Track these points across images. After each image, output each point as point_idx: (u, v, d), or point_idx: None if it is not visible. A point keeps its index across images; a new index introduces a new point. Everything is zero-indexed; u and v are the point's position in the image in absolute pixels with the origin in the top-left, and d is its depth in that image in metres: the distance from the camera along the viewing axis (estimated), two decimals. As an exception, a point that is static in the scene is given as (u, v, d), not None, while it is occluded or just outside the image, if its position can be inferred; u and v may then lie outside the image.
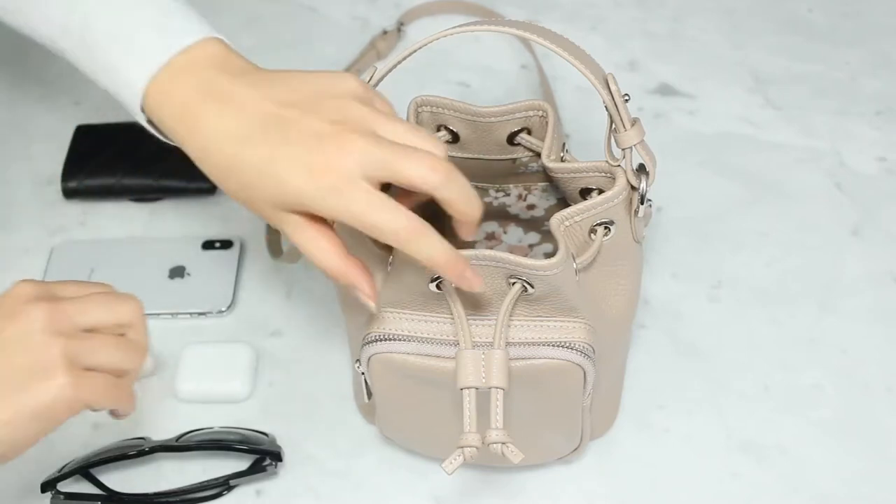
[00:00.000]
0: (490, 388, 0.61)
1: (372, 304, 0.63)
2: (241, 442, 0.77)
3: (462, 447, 0.61)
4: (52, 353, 0.61)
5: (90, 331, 0.63)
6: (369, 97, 0.63)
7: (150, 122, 0.67)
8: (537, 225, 0.75)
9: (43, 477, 0.76)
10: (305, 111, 0.61)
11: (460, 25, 0.65)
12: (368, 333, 0.66)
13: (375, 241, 0.66)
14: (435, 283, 0.64)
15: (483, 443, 0.61)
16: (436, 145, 0.62)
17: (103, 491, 0.76)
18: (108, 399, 0.63)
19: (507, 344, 0.64)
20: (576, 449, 0.74)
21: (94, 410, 0.63)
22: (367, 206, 0.59)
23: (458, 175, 0.61)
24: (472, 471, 0.76)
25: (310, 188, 0.59)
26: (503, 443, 0.61)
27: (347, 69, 1.03)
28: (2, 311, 0.62)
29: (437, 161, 0.60)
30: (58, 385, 0.60)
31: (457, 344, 0.64)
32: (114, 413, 0.66)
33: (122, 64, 0.66)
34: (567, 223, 0.65)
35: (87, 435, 0.79)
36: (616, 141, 0.65)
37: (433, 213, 0.76)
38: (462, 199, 0.61)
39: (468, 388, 0.61)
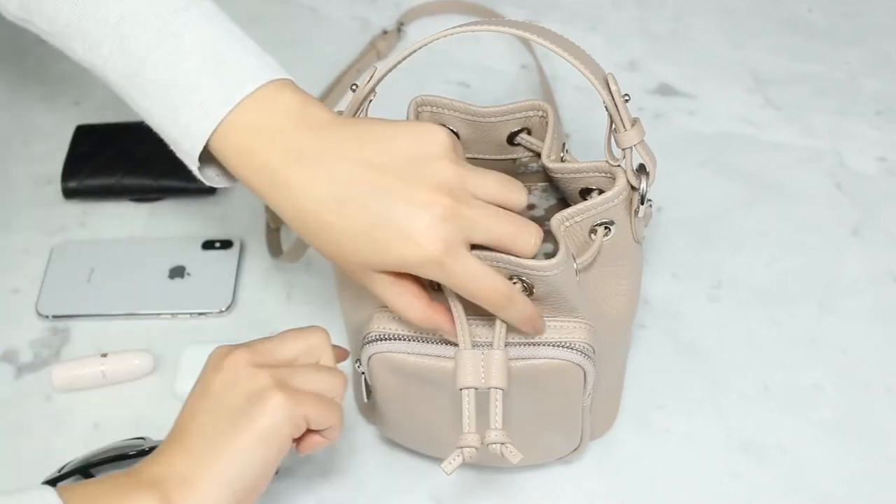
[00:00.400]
0: (489, 388, 0.61)
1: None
2: (241, 442, 0.77)
3: (461, 447, 0.61)
4: (261, 380, 0.63)
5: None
6: (457, 149, 0.63)
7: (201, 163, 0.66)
8: (538, 225, 0.75)
9: (43, 477, 0.75)
10: (403, 178, 0.60)
11: (460, 25, 0.65)
12: (368, 333, 0.66)
13: None
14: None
15: (482, 443, 0.61)
16: (521, 192, 0.64)
17: (103, 491, 0.75)
18: (324, 415, 0.64)
19: (507, 344, 0.64)
20: (576, 449, 0.74)
21: (314, 432, 0.65)
22: (468, 276, 0.60)
23: (532, 227, 0.63)
24: (471, 471, 0.77)
25: (413, 257, 0.59)
26: (502, 443, 0.61)
27: (347, 69, 1.03)
28: (207, 370, 0.65)
29: (512, 222, 0.62)
30: (275, 403, 0.62)
31: (457, 344, 0.64)
32: (307, 444, 0.66)
33: (182, 109, 0.64)
34: (567, 223, 0.65)
35: (87, 435, 0.79)
36: (616, 141, 0.65)
37: None
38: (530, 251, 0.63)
39: (467, 388, 0.61)
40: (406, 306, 0.63)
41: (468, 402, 0.61)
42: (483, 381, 0.61)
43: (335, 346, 0.69)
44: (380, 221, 0.60)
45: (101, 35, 0.65)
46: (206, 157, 0.66)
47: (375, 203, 0.60)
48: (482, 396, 0.61)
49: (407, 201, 0.60)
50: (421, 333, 0.66)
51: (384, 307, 0.67)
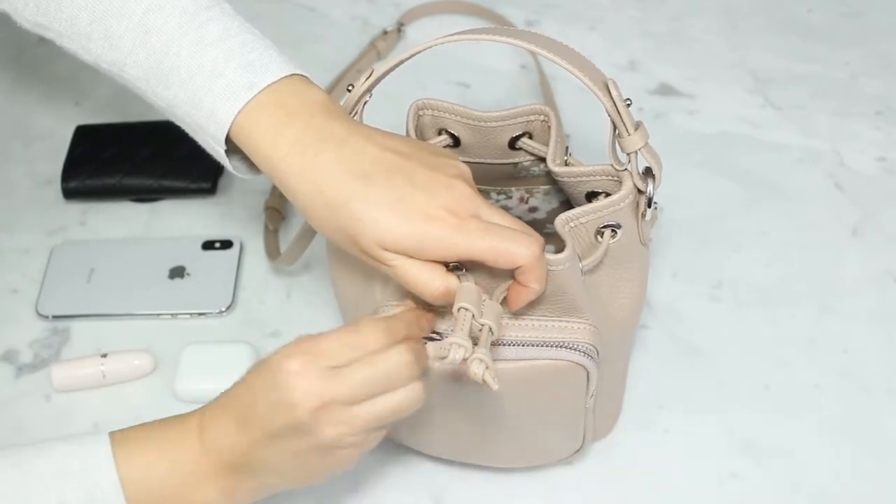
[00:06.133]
0: (482, 324, 0.60)
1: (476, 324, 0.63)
2: (241, 442, 0.76)
3: (451, 343, 0.58)
4: (334, 431, 0.61)
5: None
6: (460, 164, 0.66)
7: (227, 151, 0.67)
8: (539, 228, 0.75)
9: (43, 477, 0.75)
10: (424, 163, 0.63)
11: (458, 33, 0.65)
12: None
13: None
14: None
15: (470, 354, 0.58)
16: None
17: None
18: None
19: (512, 344, 0.64)
20: (578, 450, 0.74)
21: None
22: (484, 234, 0.61)
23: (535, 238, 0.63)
24: (472, 471, 0.76)
25: (433, 233, 0.61)
26: (486, 364, 0.58)
27: (347, 69, 1.03)
28: (271, 394, 0.61)
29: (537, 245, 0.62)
30: (345, 466, 0.64)
31: (458, 344, 0.64)
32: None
33: (206, 95, 0.65)
34: (572, 224, 0.65)
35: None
36: (620, 146, 0.65)
37: None
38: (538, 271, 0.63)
39: (464, 308, 0.60)
40: (429, 281, 0.62)
41: (464, 320, 0.59)
42: (481, 314, 0.60)
43: (422, 314, 0.66)
44: (401, 197, 0.61)
45: (123, 29, 0.67)
46: (230, 148, 0.67)
47: (398, 178, 0.62)
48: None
49: (428, 181, 0.62)
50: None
51: (385, 306, 0.66)
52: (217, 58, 0.65)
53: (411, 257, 0.62)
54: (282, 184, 0.64)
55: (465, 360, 0.58)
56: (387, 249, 0.61)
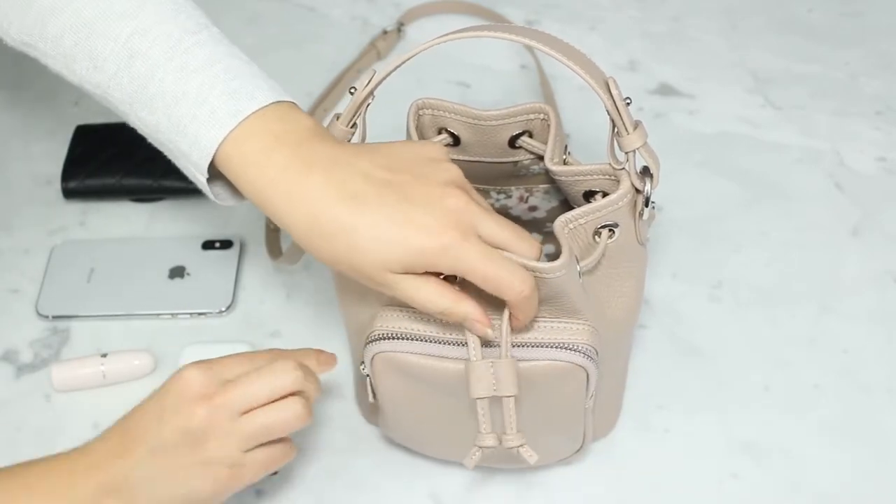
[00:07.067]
0: (502, 396, 0.63)
1: (489, 332, 0.63)
2: (241, 442, 0.77)
3: (480, 446, 0.64)
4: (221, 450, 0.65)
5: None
6: (452, 166, 0.66)
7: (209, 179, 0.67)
8: (539, 226, 0.75)
9: (43, 477, 0.76)
10: (415, 175, 0.62)
11: (460, 30, 0.64)
12: (372, 332, 0.66)
13: None
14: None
15: (500, 444, 0.63)
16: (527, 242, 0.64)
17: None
18: (266, 470, 0.68)
19: (511, 345, 0.64)
20: (578, 450, 0.74)
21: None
22: (484, 259, 0.61)
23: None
24: (472, 471, 0.76)
25: (433, 245, 0.60)
26: (519, 445, 0.64)
27: (347, 69, 1.03)
28: (165, 405, 0.66)
29: (536, 251, 0.63)
30: (223, 483, 0.66)
31: (460, 344, 0.65)
32: None
33: (190, 122, 0.64)
34: (571, 226, 0.64)
35: (87, 435, 0.79)
36: (619, 144, 0.65)
37: None
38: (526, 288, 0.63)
39: (481, 398, 0.63)
40: (436, 298, 0.62)
41: (483, 410, 0.63)
42: (495, 390, 0.63)
43: (321, 353, 0.71)
44: (396, 215, 0.61)
45: (108, 52, 0.66)
46: (213, 175, 0.66)
47: (390, 197, 0.61)
48: (493, 398, 0.63)
49: (421, 195, 0.61)
50: (424, 333, 0.66)
51: (387, 305, 0.66)
52: (202, 84, 0.64)
53: (416, 274, 0.62)
54: (271, 211, 0.63)
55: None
56: (391, 272, 0.61)
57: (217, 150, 0.63)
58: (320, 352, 0.71)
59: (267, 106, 0.64)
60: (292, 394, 0.67)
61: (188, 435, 0.64)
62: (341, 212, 0.61)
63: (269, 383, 0.66)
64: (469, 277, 0.61)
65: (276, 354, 0.69)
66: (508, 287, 0.61)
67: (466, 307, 0.62)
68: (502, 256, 0.61)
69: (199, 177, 0.66)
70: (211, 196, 0.68)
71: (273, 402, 0.66)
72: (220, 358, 0.68)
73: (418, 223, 0.60)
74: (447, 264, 0.61)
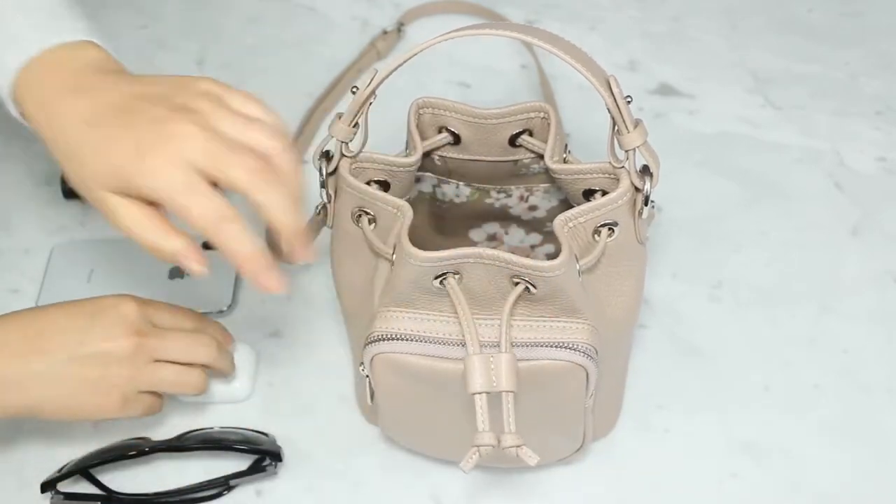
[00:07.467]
0: (500, 391, 0.62)
1: (204, 269, 0.65)
2: (241, 442, 0.77)
3: (477, 446, 0.62)
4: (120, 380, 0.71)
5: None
6: (223, 95, 0.65)
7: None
8: (539, 226, 0.75)
9: (43, 477, 0.76)
10: (154, 102, 0.64)
11: (462, 29, 0.64)
12: (371, 333, 0.66)
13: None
14: (438, 280, 0.64)
15: (498, 444, 0.62)
16: (274, 139, 0.64)
17: (103, 491, 0.76)
18: (142, 413, 0.74)
19: (511, 345, 0.64)
20: (578, 450, 0.74)
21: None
22: (181, 188, 0.61)
23: (281, 184, 0.63)
24: (472, 471, 0.76)
25: (133, 165, 0.62)
26: (517, 446, 0.62)
27: (347, 69, 1.03)
28: (98, 323, 0.71)
29: (259, 164, 0.62)
30: (109, 408, 0.71)
31: (459, 344, 0.64)
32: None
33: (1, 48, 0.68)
34: (571, 224, 0.65)
35: (87, 435, 0.79)
36: (619, 143, 0.65)
37: (437, 227, 0.76)
38: (277, 208, 0.62)
39: (479, 393, 0.62)
40: (136, 223, 0.64)
41: (481, 405, 0.62)
42: (494, 384, 0.62)
43: (227, 335, 0.79)
44: (115, 134, 0.63)
45: None
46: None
47: (119, 119, 0.63)
48: (492, 397, 0.62)
49: (146, 117, 0.63)
50: (424, 333, 0.65)
51: (388, 306, 0.66)
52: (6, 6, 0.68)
53: (130, 198, 0.63)
54: (38, 132, 0.67)
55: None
56: (104, 188, 0.63)
57: (17, 75, 0.67)
58: (226, 334, 0.79)
59: (68, 43, 0.67)
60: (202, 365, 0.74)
61: (107, 357, 0.69)
62: (75, 132, 0.64)
63: (191, 349, 0.73)
64: (168, 207, 0.62)
65: (202, 324, 0.76)
66: (200, 218, 0.62)
67: (176, 242, 0.64)
68: (201, 188, 0.61)
69: (10, 106, 0.69)
70: (14, 114, 0.70)
71: (183, 364, 0.73)
72: (155, 301, 0.75)
73: (129, 142, 0.62)
74: (146, 189, 0.62)
